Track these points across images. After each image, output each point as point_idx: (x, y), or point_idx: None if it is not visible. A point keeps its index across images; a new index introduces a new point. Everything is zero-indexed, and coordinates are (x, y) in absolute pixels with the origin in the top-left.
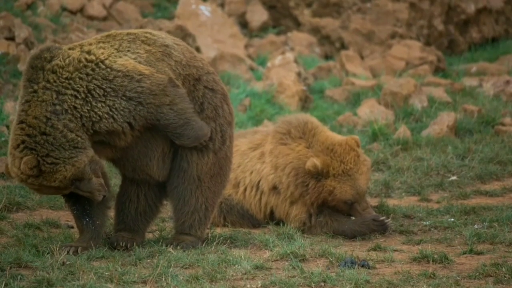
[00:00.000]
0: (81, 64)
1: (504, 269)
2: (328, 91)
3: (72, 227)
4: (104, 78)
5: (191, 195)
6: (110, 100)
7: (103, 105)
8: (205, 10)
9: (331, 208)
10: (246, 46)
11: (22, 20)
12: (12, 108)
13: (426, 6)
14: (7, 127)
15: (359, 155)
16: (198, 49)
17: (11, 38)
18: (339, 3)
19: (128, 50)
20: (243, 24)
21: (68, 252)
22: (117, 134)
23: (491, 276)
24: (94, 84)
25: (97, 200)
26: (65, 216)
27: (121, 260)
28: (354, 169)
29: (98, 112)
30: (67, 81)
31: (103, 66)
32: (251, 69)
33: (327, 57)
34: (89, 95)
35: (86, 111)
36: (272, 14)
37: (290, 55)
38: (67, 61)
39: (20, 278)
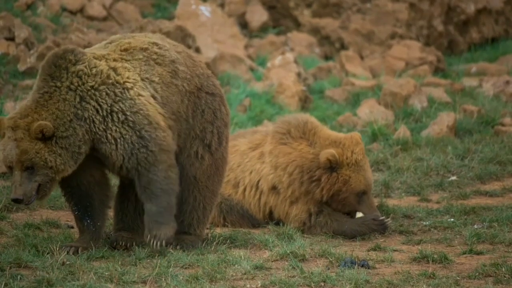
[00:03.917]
0: (110, 81)
1: (504, 269)
2: (328, 91)
3: (72, 227)
4: (131, 106)
5: (188, 194)
6: (125, 129)
7: (117, 130)
8: (205, 10)
9: (339, 201)
10: (246, 47)
11: (22, 20)
12: (12, 108)
13: (426, 7)
14: None
15: (363, 149)
16: (198, 50)
17: (11, 38)
18: (339, 3)
19: (147, 78)
20: (243, 24)
21: (68, 252)
22: (109, 161)
23: (491, 276)
24: (119, 107)
25: (10, 196)
26: (65, 216)
27: (121, 260)
28: (363, 161)
29: (109, 135)
30: (92, 91)
31: (129, 96)
32: (251, 69)
33: (327, 57)
34: (109, 116)
35: (102, 129)
36: (272, 14)
37: (290, 56)
38: (93, 70)
39: (20, 278)
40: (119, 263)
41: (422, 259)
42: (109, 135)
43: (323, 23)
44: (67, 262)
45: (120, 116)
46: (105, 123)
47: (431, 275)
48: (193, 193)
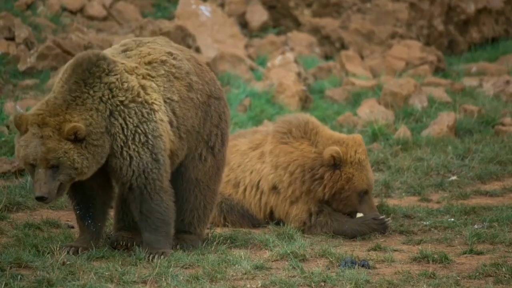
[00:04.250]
0: (139, 100)
1: (504, 269)
2: (328, 91)
3: (72, 227)
4: (153, 129)
5: (189, 193)
6: (143, 150)
7: (135, 149)
8: (205, 10)
9: (341, 200)
10: (246, 46)
11: (22, 20)
12: (12, 108)
13: (426, 6)
14: (7, 127)
15: (366, 150)
16: (198, 49)
17: (11, 38)
18: (339, 3)
19: (168, 98)
20: (243, 24)
21: (68, 252)
22: (116, 175)
23: (491, 276)
24: (143, 129)
25: (33, 193)
26: (65, 216)
27: (121, 260)
28: (366, 161)
29: (125, 152)
30: (121, 106)
31: (154, 118)
32: (251, 69)
33: (327, 57)
34: (131, 135)
35: (120, 146)
36: (272, 14)
37: (290, 55)
38: (125, 85)
39: (20, 278)
40: (120, 263)
41: (423, 259)
42: (124, 152)
43: (323, 23)
44: (68, 262)
45: (141, 138)
46: (125, 141)
47: (432, 275)
48: (193, 192)
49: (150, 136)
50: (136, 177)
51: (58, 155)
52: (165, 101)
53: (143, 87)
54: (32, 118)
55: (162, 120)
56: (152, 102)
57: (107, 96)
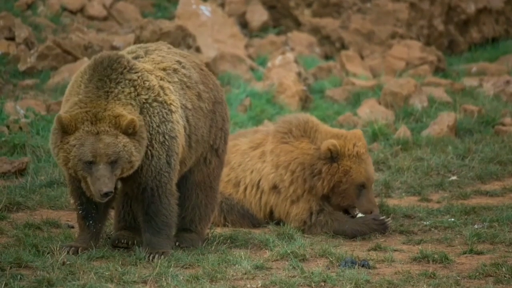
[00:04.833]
0: (160, 99)
1: (504, 269)
2: (328, 91)
3: (72, 227)
4: (170, 130)
5: (191, 192)
6: (162, 150)
7: (156, 148)
8: (205, 10)
9: (339, 193)
10: (246, 46)
11: (22, 20)
12: (12, 108)
13: (426, 6)
14: (8, 127)
15: (366, 144)
16: (198, 49)
17: (11, 38)
18: (339, 3)
19: (183, 105)
20: (243, 24)
21: (68, 252)
22: (135, 175)
23: (491, 276)
24: (163, 129)
25: (93, 195)
26: (65, 216)
27: (121, 260)
28: (365, 155)
29: (149, 151)
30: (146, 105)
31: (171, 119)
32: (251, 69)
33: (327, 57)
34: (155, 135)
35: (146, 145)
36: (272, 14)
37: (290, 55)
38: (146, 84)
39: (20, 278)
40: (120, 263)
41: (423, 259)
42: (149, 151)
43: (323, 23)
44: (67, 262)
45: (160, 138)
46: (150, 140)
47: (432, 275)
48: (195, 191)
49: (167, 137)
50: (152, 179)
51: (118, 149)
52: (180, 106)
53: (162, 88)
54: (82, 116)
55: (178, 122)
56: (170, 103)
57: (133, 94)
